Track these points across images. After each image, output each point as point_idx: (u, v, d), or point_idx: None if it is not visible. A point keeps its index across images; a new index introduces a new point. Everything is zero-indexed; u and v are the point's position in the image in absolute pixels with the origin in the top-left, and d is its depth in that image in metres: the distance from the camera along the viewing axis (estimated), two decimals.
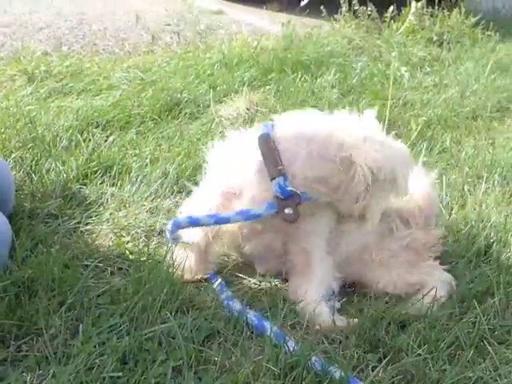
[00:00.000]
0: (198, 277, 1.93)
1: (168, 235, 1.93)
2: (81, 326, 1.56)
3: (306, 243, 1.88)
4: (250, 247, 1.95)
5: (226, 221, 1.84)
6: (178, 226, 1.90)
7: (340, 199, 1.83)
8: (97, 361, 1.46)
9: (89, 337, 1.53)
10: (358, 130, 1.82)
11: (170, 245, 1.95)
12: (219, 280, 1.90)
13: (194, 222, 1.87)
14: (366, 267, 1.98)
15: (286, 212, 1.79)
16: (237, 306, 1.75)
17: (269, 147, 1.81)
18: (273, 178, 1.78)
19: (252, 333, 1.67)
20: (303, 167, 1.78)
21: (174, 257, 1.90)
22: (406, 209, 2.07)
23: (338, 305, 1.85)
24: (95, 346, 1.50)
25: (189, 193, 2.41)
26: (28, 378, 1.41)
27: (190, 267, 1.91)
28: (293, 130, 1.85)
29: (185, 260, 1.90)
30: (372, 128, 1.87)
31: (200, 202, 1.94)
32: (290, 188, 1.77)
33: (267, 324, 1.66)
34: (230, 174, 1.87)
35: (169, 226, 1.91)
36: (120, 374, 1.44)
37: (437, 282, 1.96)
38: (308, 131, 1.83)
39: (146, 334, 1.56)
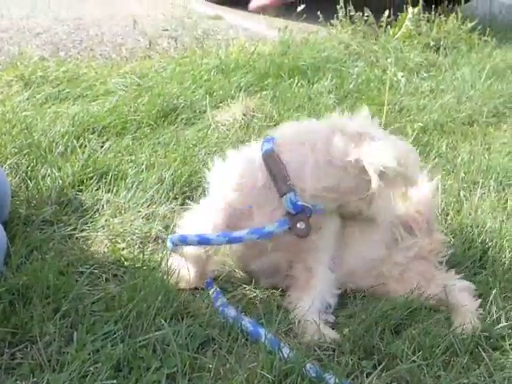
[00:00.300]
0: (194, 286, 1.93)
1: (169, 246, 1.93)
2: (75, 333, 1.56)
3: (311, 260, 1.88)
4: (257, 265, 1.94)
5: (239, 240, 1.82)
6: (184, 241, 1.87)
7: (348, 200, 1.83)
8: (91, 368, 1.46)
9: (83, 344, 1.53)
10: (354, 131, 1.81)
11: (165, 252, 1.95)
12: (214, 287, 1.90)
13: (203, 241, 1.84)
14: (378, 282, 1.98)
15: (298, 227, 1.78)
16: (232, 312, 1.76)
17: (275, 163, 1.80)
18: (283, 194, 1.77)
19: (247, 340, 1.68)
20: (311, 179, 1.78)
21: (170, 264, 1.90)
22: (407, 215, 2.07)
23: (331, 319, 1.85)
24: (89, 354, 1.50)
25: (185, 199, 2.42)
26: None
27: (186, 277, 1.91)
28: (295, 142, 1.84)
29: (181, 269, 1.89)
30: (367, 125, 1.87)
31: (204, 221, 1.91)
32: (300, 203, 1.77)
33: (262, 331, 1.66)
34: (237, 194, 1.85)
35: (174, 239, 1.89)
36: (114, 381, 1.44)
37: (459, 293, 1.97)
38: (309, 140, 1.81)
39: (140, 342, 1.56)
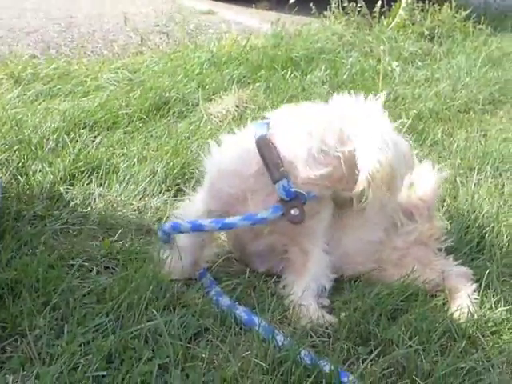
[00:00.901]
0: (188, 276, 1.91)
1: (160, 236, 1.90)
2: (66, 325, 1.54)
3: (307, 243, 1.86)
4: (253, 247, 1.93)
5: (232, 226, 1.80)
6: (177, 229, 1.84)
7: (342, 188, 1.79)
8: (81, 360, 1.44)
9: (73, 337, 1.50)
10: (358, 120, 1.75)
11: (158, 243, 1.93)
12: (208, 276, 1.87)
13: (196, 228, 1.81)
14: (376, 266, 1.97)
15: (292, 213, 1.75)
16: (226, 301, 1.73)
17: (268, 149, 1.76)
18: (276, 181, 1.74)
19: (240, 329, 1.66)
20: (305, 166, 1.74)
21: (162, 255, 1.87)
22: (409, 202, 2.05)
23: (327, 302, 1.83)
24: (80, 346, 1.48)
25: (178, 191, 2.40)
26: (11, 379, 1.39)
27: (180, 267, 1.88)
28: (290, 127, 1.80)
29: (175, 259, 1.87)
30: (373, 116, 1.79)
31: (198, 207, 1.89)
32: (294, 189, 1.74)
33: (256, 319, 1.64)
34: (231, 180, 1.82)
35: (166, 228, 1.87)
36: (105, 373, 1.41)
37: (456, 278, 1.96)
38: (305, 126, 1.77)
39: (132, 333, 1.54)
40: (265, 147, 1.77)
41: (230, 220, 1.79)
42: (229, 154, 1.87)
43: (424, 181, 2.10)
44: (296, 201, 1.75)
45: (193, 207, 1.93)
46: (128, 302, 1.63)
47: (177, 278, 1.86)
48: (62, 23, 4.85)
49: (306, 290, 1.78)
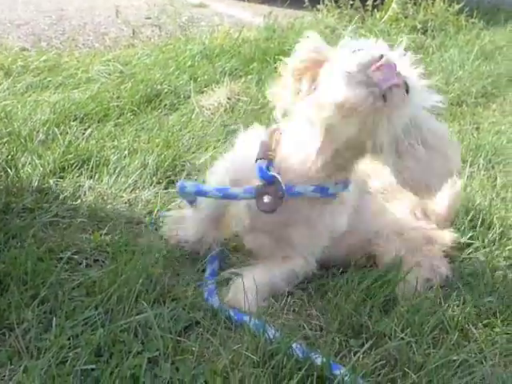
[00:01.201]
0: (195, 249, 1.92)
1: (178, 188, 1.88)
2: (54, 319, 1.51)
3: (291, 252, 1.81)
4: (246, 243, 1.91)
5: (205, 193, 1.80)
6: (182, 189, 1.83)
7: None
8: (70, 354, 1.41)
9: (62, 330, 1.48)
10: None
11: (148, 234, 1.92)
12: (216, 264, 1.87)
13: (200, 192, 1.82)
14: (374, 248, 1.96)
15: (263, 200, 1.68)
16: (216, 303, 1.70)
17: (270, 137, 1.75)
18: (257, 160, 1.71)
19: (231, 323, 1.64)
20: (297, 159, 1.70)
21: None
22: (427, 206, 2.10)
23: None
24: (69, 339, 1.46)
25: (169, 183, 2.38)
26: None
27: (190, 237, 1.91)
28: (302, 125, 1.73)
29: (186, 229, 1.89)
30: None
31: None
32: (271, 173, 1.67)
33: (246, 318, 1.61)
34: (238, 165, 1.82)
35: (179, 183, 1.86)
36: (94, 366, 1.39)
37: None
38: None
39: (121, 326, 1.51)
40: (269, 136, 1.76)
41: (204, 187, 1.82)
42: (246, 141, 1.88)
43: (442, 197, 2.12)
44: (272, 188, 1.68)
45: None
46: (117, 295, 1.60)
47: (183, 246, 1.91)
48: (52, 16, 4.81)
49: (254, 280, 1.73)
